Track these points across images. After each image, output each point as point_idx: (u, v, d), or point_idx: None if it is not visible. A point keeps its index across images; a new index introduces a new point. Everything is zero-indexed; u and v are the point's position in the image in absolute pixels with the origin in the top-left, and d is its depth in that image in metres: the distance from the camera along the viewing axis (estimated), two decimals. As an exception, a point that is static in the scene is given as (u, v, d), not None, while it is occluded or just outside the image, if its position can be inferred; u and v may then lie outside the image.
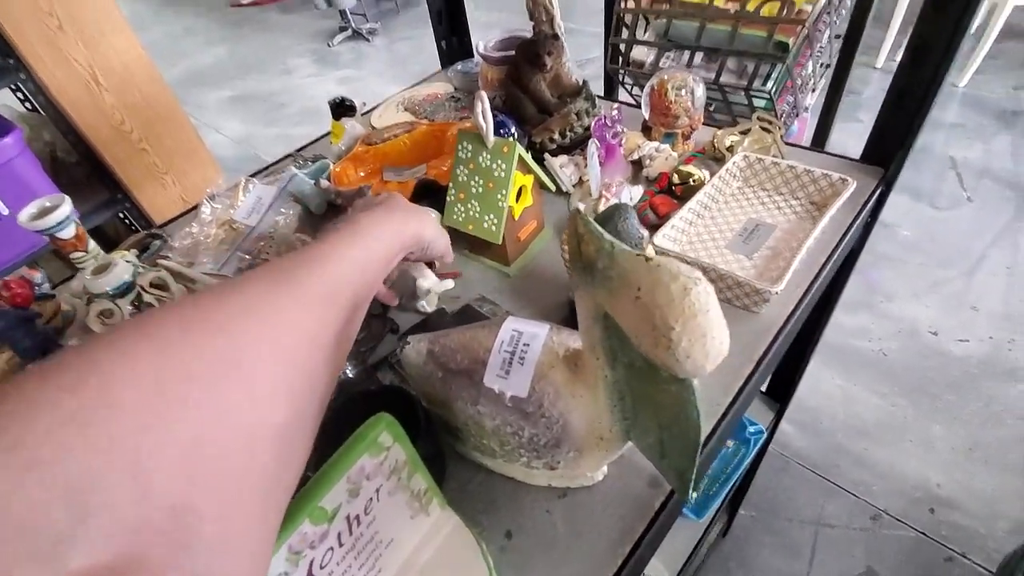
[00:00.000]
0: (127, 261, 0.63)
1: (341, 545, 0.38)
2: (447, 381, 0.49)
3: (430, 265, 0.73)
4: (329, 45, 5.21)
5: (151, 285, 0.65)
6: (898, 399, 1.98)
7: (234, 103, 4.56)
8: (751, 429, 1.21)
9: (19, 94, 2.38)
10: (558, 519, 0.52)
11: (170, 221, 0.99)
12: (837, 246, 0.71)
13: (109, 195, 2.04)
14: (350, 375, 0.58)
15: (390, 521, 0.42)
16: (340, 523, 0.37)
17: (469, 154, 0.71)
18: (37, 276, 0.78)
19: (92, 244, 0.68)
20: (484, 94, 0.64)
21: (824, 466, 1.89)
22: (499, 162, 0.69)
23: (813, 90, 1.26)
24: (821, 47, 1.17)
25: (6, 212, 1.78)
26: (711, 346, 0.30)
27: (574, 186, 0.88)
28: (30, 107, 2.36)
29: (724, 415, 0.56)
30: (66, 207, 0.64)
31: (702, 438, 0.38)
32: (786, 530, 1.74)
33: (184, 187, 2.27)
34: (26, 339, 0.71)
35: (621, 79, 1.26)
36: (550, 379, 0.46)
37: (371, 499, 0.39)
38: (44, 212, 0.63)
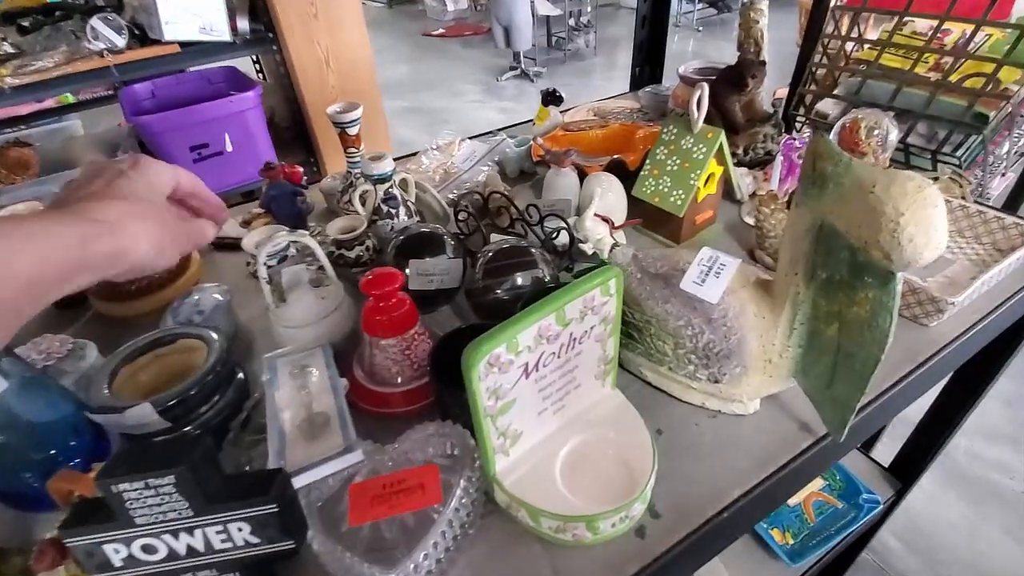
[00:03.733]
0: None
1: (558, 358, 0.48)
2: (643, 282, 0.58)
3: (607, 221, 0.83)
4: (497, 80, 5.72)
5: (398, 182, 0.82)
6: (1035, 547, 1.74)
7: (406, 112, 5.14)
8: (865, 496, 1.15)
9: (257, 65, 2.89)
10: (706, 432, 0.58)
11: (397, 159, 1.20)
12: (1020, 291, 0.72)
13: (304, 157, 2.42)
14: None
15: (585, 367, 0.52)
16: (565, 336, 0.47)
17: (673, 136, 0.82)
18: (301, 170, 0.99)
19: (362, 145, 0.87)
20: (705, 85, 0.75)
21: (928, 595, 1.70)
22: (700, 146, 0.78)
23: (1003, 174, 1.24)
24: (1020, 132, 1.16)
25: (230, 149, 2.14)
26: (933, 236, 0.37)
27: (750, 197, 0.95)
28: (262, 77, 2.85)
29: (883, 393, 0.60)
30: (359, 112, 0.83)
31: (885, 353, 0.44)
32: (872, 645, 1.58)
33: (364, 163, 2.62)
34: (288, 208, 0.91)
35: (799, 126, 1.32)
36: (739, 295, 0.54)
37: (586, 332, 0.49)
38: (344, 111, 0.83)
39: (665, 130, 0.82)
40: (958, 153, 1.08)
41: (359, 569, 0.42)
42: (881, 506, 1.16)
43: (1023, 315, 0.82)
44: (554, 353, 0.47)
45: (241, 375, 0.63)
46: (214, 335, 0.62)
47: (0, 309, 0.31)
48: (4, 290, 0.30)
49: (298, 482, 0.47)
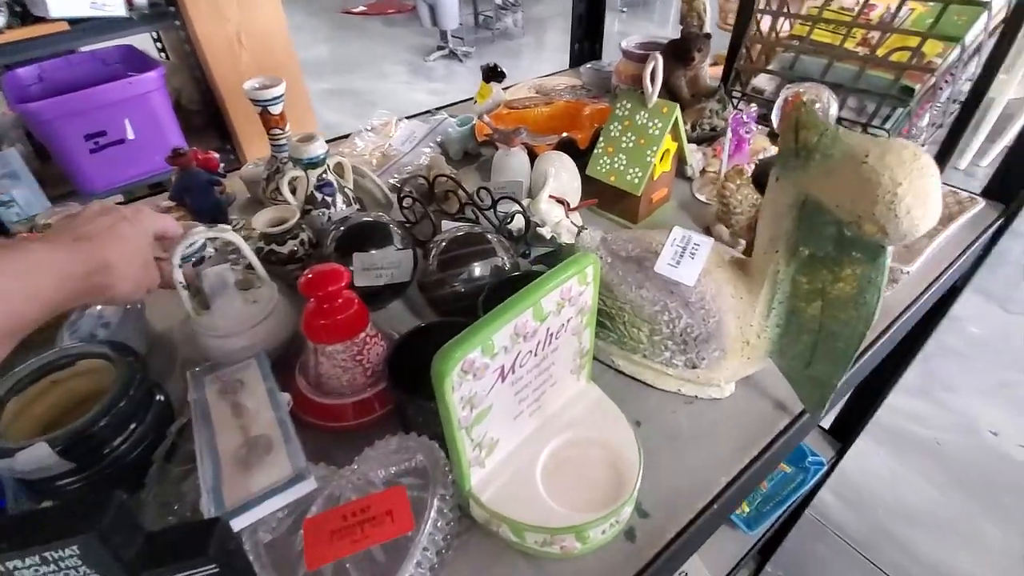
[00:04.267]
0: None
1: (535, 355, 0.43)
2: (615, 266, 0.54)
3: (562, 203, 0.79)
4: (425, 60, 5.53)
5: (333, 167, 0.74)
6: (950, 491, 1.91)
7: (329, 95, 4.86)
8: (811, 459, 1.20)
9: (158, 43, 2.61)
10: (683, 420, 0.56)
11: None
12: (959, 256, 0.75)
13: (219, 143, 2.22)
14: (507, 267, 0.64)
15: (561, 362, 0.47)
16: (542, 332, 0.42)
17: (627, 112, 0.78)
18: (217, 156, 0.88)
19: (288, 126, 0.78)
20: (660, 56, 0.72)
21: (863, 543, 1.82)
22: (656, 121, 0.76)
23: (922, 145, 1.31)
24: (939, 104, 1.22)
25: (132, 136, 1.93)
26: (930, 206, 0.35)
27: (700, 173, 0.94)
28: (166, 56, 2.58)
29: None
30: (282, 88, 0.73)
31: (869, 328, 0.43)
32: (813, 598, 1.68)
33: (287, 148, 2.44)
34: (204, 200, 0.80)
35: (736, 102, 1.33)
36: (715, 276, 0.51)
37: (563, 326, 0.44)
38: (264, 87, 0.73)
39: (618, 106, 0.79)
40: (886, 126, 1.12)
41: (323, 618, 0.36)
42: (825, 467, 1.21)
43: (957, 279, 0.86)
44: (531, 351, 0.42)
45: (161, 397, 0.54)
46: (123, 352, 0.52)
47: (21, 324, 0.36)
48: (30, 307, 0.36)
49: (239, 523, 0.40)
